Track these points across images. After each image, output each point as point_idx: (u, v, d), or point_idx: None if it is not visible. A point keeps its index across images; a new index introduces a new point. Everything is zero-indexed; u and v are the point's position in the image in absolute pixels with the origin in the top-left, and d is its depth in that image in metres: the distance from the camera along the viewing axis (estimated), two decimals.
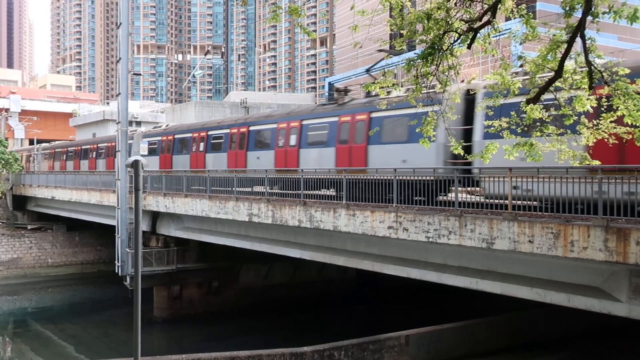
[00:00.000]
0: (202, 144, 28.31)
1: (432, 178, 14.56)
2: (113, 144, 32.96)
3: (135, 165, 9.78)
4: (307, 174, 18.31)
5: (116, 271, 26.02)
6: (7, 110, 65.30)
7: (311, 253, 18.79)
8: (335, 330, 22.69)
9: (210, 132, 27.97)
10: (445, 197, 14.54)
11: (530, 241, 11.63)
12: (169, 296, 26.50)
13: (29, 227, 40.62)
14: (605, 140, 9.85)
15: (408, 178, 14.96)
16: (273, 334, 24.16)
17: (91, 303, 32.03)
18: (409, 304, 28.14)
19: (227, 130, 26.78)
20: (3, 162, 41.57)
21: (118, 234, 25.71)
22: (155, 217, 27.04)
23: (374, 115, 19.20)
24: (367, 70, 23.43)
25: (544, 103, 9.96)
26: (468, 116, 16.05)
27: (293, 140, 22.51)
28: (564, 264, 11.87)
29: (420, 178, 14.74)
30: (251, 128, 25.38)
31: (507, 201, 12.44)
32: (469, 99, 16.00)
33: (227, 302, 27.44)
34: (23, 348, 25.16)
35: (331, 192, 17.37)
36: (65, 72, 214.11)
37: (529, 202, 12.54)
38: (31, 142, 62.15)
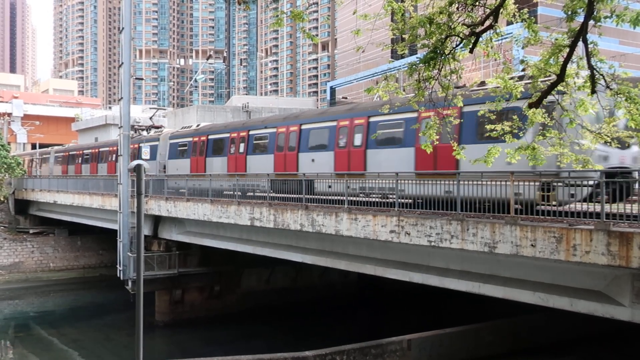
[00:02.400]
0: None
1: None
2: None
3: (137, 169, 9.79)
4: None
5: (118, 275, 26.02)
6: (9, 114, 65.46)
7: (313, 257, 18.76)
8: (337, 334, 22.65)
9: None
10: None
11: (532, 245, 11.61)
12: (170, 300, 26.47)
13: (31, 231, 40.64)
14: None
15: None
16: (275, 338, 24.12)
17: (93, 307, 32.00)
18: (411, 309, 28.08)
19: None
20: (5, 166, 41.63)
21: (120, 238, 25.72)
22: (157, 221, 27.04)
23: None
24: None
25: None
26: None
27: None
28: (567, 268, 11.84)
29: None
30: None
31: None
32: None
33: (229, 307, 27.40)
34: (25, 352, 25.14)
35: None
36: (68, 76, 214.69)
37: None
38: (33, 147, 62.22)
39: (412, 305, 28.08)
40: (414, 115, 17.30)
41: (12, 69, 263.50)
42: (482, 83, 16.85)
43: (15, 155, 50.16)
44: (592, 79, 8.52)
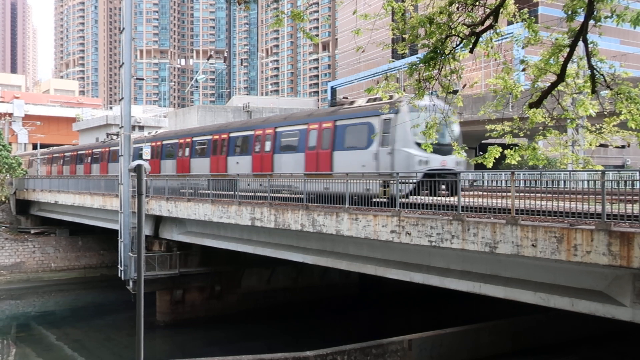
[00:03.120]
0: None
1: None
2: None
3: (138, 169, 9.80)
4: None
5: (119, 275, 26.04)
6: (10, 115, 65.42)
7: (314, 257, 18.77)
8: (338, 334, 22.65)
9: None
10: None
11: (533, 245, 11.60)
12: (171, 300, 26.48)
13: (32, 231, 40.67)
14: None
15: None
16: (275, 338, 24.12)
17: (94, 307, 32.02)
18: (412, 309, 28.08)
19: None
20: (7, 166, 41.65)
21: (121, 238, 25.73)
22: (158, 221, 27.06)
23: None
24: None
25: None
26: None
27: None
28: (568, 268, 11.84)
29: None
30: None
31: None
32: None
33: (230, 307, 27.40)
34: (26, 352, 25.17)
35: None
36: (69, 77, 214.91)
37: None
38: (34, 147, 62.24)
39: (413, 306, 28.07)
40: (305, 127, 21.83)
41: (13, 69, 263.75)
42: (352, 103, 21.78)
43: (16, 155, 50.18)
44: (593, 79, 8.52)
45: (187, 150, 29.57)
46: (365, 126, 19.66)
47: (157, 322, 26.37)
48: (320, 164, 20.77)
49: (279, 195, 19.70)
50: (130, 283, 24.98)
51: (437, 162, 18.27)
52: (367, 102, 20.87)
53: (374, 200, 16.21)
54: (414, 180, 16.23)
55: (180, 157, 30.11)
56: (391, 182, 16.22)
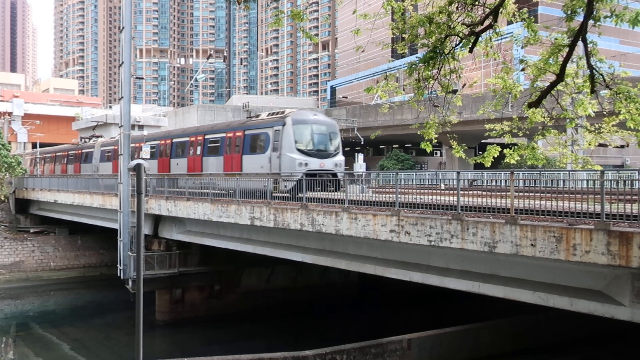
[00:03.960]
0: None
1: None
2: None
3: (137, 168, 9.80)
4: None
5: (118, 274, 26.03)
6: (10, 114, 65.32)
7: (313, 257, 18.78)
8: (338, 334, 22.66)
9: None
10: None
11: (532, 245, 11.61)
12: (170, 300, 26.47)
13: (32, 230, 40.63)
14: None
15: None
16: (275, 337, 24.13)
17: (93, 306, 32.01)
18: (411, 308, 28.09)
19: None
20: (6, 165, 41.62)
21: (120, 237, 25.73)
22: (157, 220, 27.06)
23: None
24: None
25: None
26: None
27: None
28: (567, 268, 11.85)
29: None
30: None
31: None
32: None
33: (229, 306, 27.40)
34: (25, 351, 25.16)
35: None
36: (68, 76, 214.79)
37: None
38: (34, 146, 62.19)
39: (412, 305, 28.08)
40: (224, 135, 26.63)
41: (13, 68, 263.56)
42: (257, 116, 26.64)
43: (16, 154, 50.13)
44: (592, 79, 8.52)
45: (142, 153, 34.32)
46: (264, 135, 24.25)
47: (156, 321, 26.37)
48: (234, 165, 25.40)
49: (207, 191, 23.05)
50: (130, 282, 24.98)
51: (316, 164, 22.77)
52: (268, 115, 25.75)
53: (275, 195, 19.90)
54: (295, 179, 20.51)
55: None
56: (279, 179, 21.23)
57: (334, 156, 23.71)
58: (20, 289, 36.19)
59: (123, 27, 25.73)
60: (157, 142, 32.97)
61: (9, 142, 55.73)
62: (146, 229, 26.84)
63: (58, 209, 38.31)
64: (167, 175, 27.72)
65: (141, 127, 49.00)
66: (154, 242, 26.97)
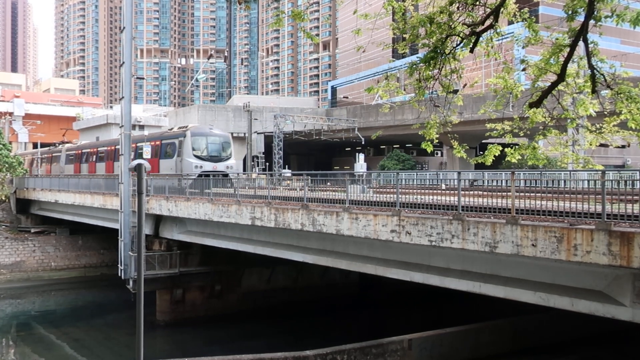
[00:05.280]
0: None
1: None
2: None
3: (138, 168, 9.81)
4: None
5: (119, 275, 26.05)
6: (11, 114, 65.39)
7: (314, 257, 18.78)
8: (338, 334, 22.66)
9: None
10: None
11: (533, 245, 11.60)
12: (171, 300, 26.48)
13: (33, 230, 40.66)
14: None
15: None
16: (275, 337, 24.12)
17: (94, 306, 32.03)
18: (411, 308, 28.08)
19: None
20: (7, 165, 41.66)
21: (121, 237, 25.74)
22: (158, 220, 27.07)
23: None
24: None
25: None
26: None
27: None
28: (568, 268, 11.84)
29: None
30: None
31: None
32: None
33: (230, 306, 27.40)
34: (26, 351, 25.19)
35: None
36: (69, 76, 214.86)
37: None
38: (35, 146, 62.23)
39: (413, 305, 28.07)
40: (151, 143, 33.06)
41: (14, 69, 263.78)
42: (171, 129, 34.80)
43: (16, 154, 50.18)
44: (593, 79, 8.51)
45: (82, 157, 43.28)
46: (173, 144, 31.19)
47: (157, 321, 26.38)
48: (153, 167, 30.17)
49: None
50: (131, 282, 24.99)
51: (210, 167, 29.46)
52: (178, 128, 33.46)
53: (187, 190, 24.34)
54: (192, 177, 26.88)
55: (76, 163, 44.10)
56: (180, 179, 26.84)
57: (226, 160, 30.58)
58: (21, 289, 36.22)
59: (124, 27, 25.75)
60: (106, 148, 40.07)
61: (10, 142, 55.76)
62: (147, 229, 26.85)
63: (59, 209, 38.33)
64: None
65: (142, 127, 49.02)
66: (154, 242, 26.97)
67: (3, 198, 42.87)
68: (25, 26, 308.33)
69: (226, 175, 27.26)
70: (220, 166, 29.97)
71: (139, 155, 31.26)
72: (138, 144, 32.96)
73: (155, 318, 26.35)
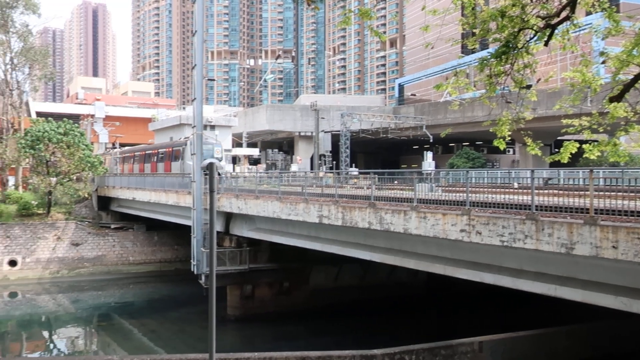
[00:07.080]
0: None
1: None
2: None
3: (210, 167, 10.10)
4: None
5: (192, 270, 26.94)
6: (92, 116, 69.37)
7: (381, 255, 18.69)
8: (406, 334, 22.45)
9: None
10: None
11: (614, 247, 11.02)
12: (241, 295, 27.13)
13: (112, 226, 42.92)
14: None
15: None
16: (343, 335, 24.19)
17: (168, 300, 33.38)
18: (482, 310, 27.36)
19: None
20: (89, 164, 44.10)
21: (194, 234, 26.60)
22: (228, 218, 27.80)
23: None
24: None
25: None
26: None
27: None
28: None
29: None
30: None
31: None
32: None
33: (298, 303, 27.74)
34: (107, 340, 26.62)
35: None
36: (145, 79, 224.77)
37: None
38: (113, 146, 65.63)
39: (483, 307, 27.34)
40: (165, 149, 44.13)
41: (95, 73, 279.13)
42: (179, 139, 43.62)
43: (98, 154, 53.06)
44: None
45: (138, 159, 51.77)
46: (179, 150, 40.69)
47: (227, 316, 27.10)
48: (166, 168, 42.26)
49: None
50: (203, 277, 25.77)
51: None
52: (182, 139, 41.84)
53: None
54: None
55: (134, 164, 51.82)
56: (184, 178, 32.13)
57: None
58: (103, 282, 38.32)
59: (195, 31, 26.58)
60: (138, 152, 50.82)
61: (92, 143, 58.98)
62: (218, 226, 27.63)
63: (136, 206, 40.21)
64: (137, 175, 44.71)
65: (213, 127, 50.44)
66: (225, 239, 27.71)
67: (86, 195, 45.47)
68: (105, 33, 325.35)
69: (219, 174, 31.27)
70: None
71: (174, 158, 41.16)
72: (174, 148, 42.70)
73: (225, 313, 27.08)
